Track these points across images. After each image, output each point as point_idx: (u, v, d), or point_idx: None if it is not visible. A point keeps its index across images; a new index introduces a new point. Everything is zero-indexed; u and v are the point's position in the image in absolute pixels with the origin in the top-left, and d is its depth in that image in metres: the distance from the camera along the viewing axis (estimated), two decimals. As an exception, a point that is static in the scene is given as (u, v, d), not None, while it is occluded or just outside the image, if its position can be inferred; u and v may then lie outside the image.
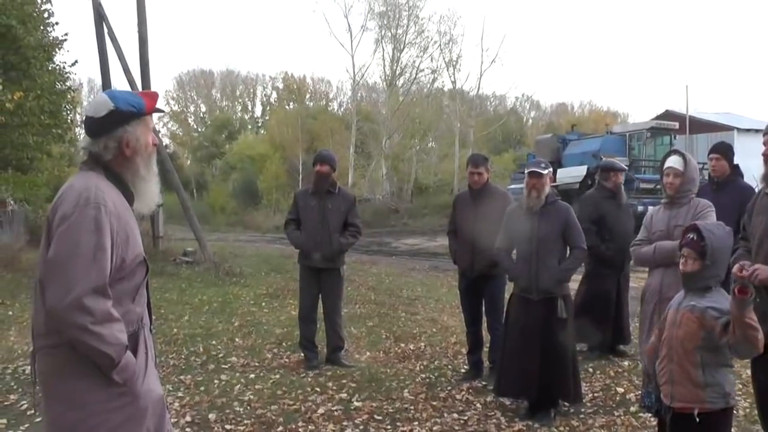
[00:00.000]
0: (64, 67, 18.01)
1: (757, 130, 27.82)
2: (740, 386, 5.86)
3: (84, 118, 2.68)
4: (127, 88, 14.68)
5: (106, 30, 14.72)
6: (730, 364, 3.47)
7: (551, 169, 5.76)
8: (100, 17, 14.68)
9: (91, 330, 2.34)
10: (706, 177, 6.29)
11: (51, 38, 17.44)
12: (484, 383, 6.35)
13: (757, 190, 5.83)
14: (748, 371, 4.52)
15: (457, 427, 5.24)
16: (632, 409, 5.52)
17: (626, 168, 7.93)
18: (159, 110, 2.79)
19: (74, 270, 2.34)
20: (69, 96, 18.26)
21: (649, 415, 5.05)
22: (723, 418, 3.48)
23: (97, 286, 2.36)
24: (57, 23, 17.68)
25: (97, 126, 2.60)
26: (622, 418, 5.36)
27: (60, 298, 2.33)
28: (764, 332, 3.62)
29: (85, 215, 2.40)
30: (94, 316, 2.34)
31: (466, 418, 5.46)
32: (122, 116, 2.59)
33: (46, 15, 17.43)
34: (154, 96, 2.73)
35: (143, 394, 2.54)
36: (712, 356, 3.38)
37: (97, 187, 2.49)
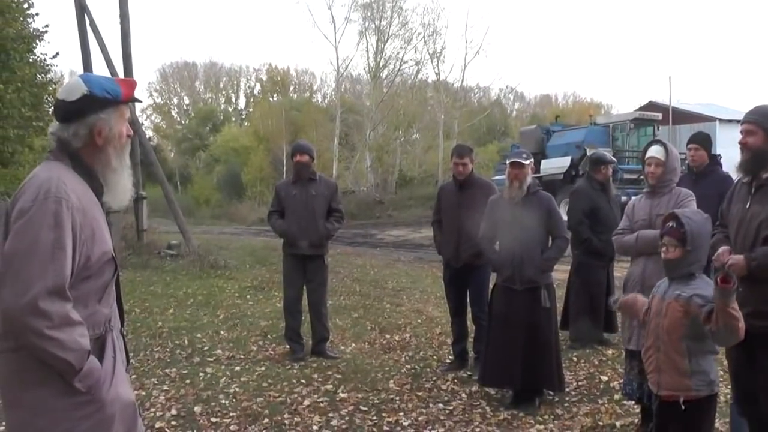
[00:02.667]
0: (45, 59, 17.82)
1: (738, 121, 27.92)
2: (722, 373, 5.92)
3: (55, 101, 2.48)
4: (140, 97, 14.53)
5: (87, 22, 14.62)
6: (715, 351, 3.52)
7: (532, 160, 5.80)
8: (81, 9, 14.58)
9: (48, 335, 2.15)
10: (685, 167, 6.32)
11: (31, 30, 17.24)
12: (469, 373, 6.38)
13: (735, 179, 5.89)
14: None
15: (442, 417, 5.27)
16: (616, 396, 5.56)
17: (615, 161, 7.97)
18: (136, 99, 2.61)
19: (30, 270, 2.16)
20: (50, 88, 18.07)
21: (632, 402, 5.12)
22: (708, 406, 3.52)
23: (54, 287, 2.17)
24: (37, 14, 17.51)
25: (68, 110, 2.41)
26: (606, 405, 5.40)
27: (14, 300, 2.15)
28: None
29: (45, 210, 2.21)
30: (51, 319, 2.15)
31: (451, 407, 5.49)
32: (96, 102, 2.40)
33: (25, 6, 17.23)
34: (132, 84, 2.55)
35: (110, 402, 2.35)
36: (697, 344, 3.42)
37: (59, 178, 2.29)
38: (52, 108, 2.54)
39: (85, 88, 2.40)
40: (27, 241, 2.19)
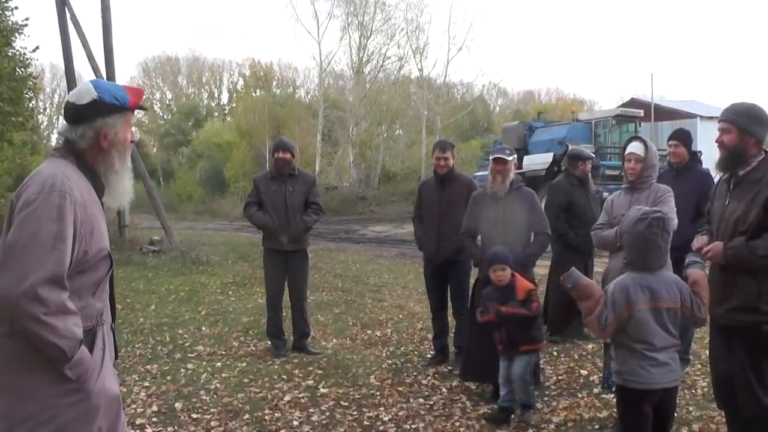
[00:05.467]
0: (24, 53, 17.60)
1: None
2: (699, 366, 6.02)
3: (65, 103, 2.61)
4: (90, 74, 14.51)
5: (68, 15, 14.52)
6: (629, 346, 3.58)
7: (516, 156, 5.81)
8: (62, 2, 14.47)
9: (43, 321, 2.24)
10: (666, 163, 6.39)
11: (10, 23, 17.02)
12: (449, 368, 6.41)
13: (714, 175, 5.95)
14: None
15: (422, 412, 5.29)
16: (595, 390, 5.62)
17: (593, 156, 8.01)
18: (142, 107, 2.73)
19: (30, 257, 2.25)
20: (30, 83, 17.87)
21: (611, 395, 5.17)
22: (619, 394, 3.78)
23: (53, 276, 2.26)
24: (16, 7, 17.20)
25: (77, 113, 2.54)
26: (586, 399, 5.44)
27: (13, 285, 2.22)
28: (719, 313, 3.72)
29: (49, 202, 2.32)
30: (48, 306, 2.24)
31: (431, 402, 5.51)
32: (104, 107, 2.54)
33: (4, -1, 17.04)
34: (140, 93, 2.68)
35: (96, 393, 2.45)
36: (616, 335, 3.65)
37: (64, 174, 2.41)
38: (63, 109, 2.68)
39: (95, 93, 2.54)
40: (30, 230, 2.29)
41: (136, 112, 2.71)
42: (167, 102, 65.02)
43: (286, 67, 61.75)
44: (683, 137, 6.15)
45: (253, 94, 57.61)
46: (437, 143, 6.80)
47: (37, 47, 17.60)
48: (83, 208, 2.41)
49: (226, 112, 63.53)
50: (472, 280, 6.13)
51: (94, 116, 2.53)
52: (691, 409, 5.10)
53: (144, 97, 2.75)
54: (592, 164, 7.55)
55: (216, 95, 66.18)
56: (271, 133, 43.31)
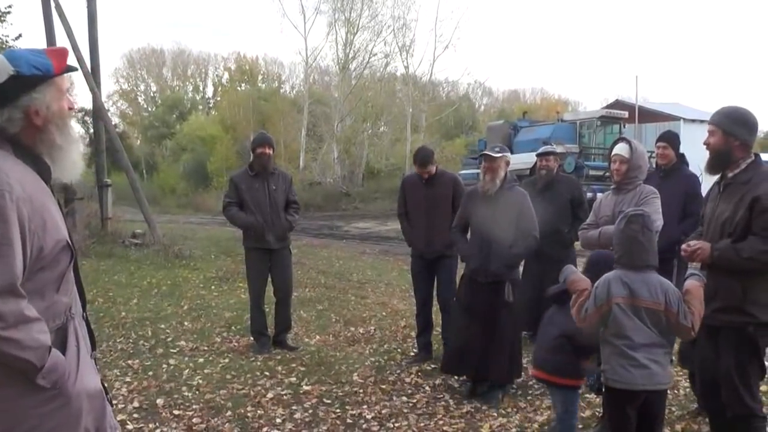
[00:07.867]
0: (6, 41, 17.39)
1: (702, 121, 28.60)
2: (680, 366, 6.03)
3: None
4: (74, 64, 14.34)
5: (53, 4, 14.34)
6: (610, 342, 3.64)
7: (508, 154, 5.71)
8: (46, -10, 14.29)
9: (3, 336, 2.03)
10: (653, 165, 6.39)
11: (-8, 10, 16.85)
12: (433, 366, 6.40)
13: (699, 177, 5.99)
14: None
15: (405, 410, 5.28)
16: (579, 390, 5.61)
17: (548, 152, 7.60)
18: (71, 68, 2.37)
19: None
20: (12, 72, 17.69)
21: (594, 395, 5.18)
22: (605, 393, 3.87)
23: (4, 286, 2.03)
24: (-2, -5, 17.02)
25: None
26: (568, 399, 5.44)
27: None
28: (705, 313, 3.74)
29: None
30: (6, 320, 2.03)
31: (414, 400, 5.50)
32: (26, 82, 2.21)
33: (-14, -14, 16.82)
34: (63, 53, 2.33)
35: (76, 395, 2.26)
36: (603, 331, 3.71)
37: (0, 169, 2.11)
38: None
39: (11, 69, 2.20)
40: None
41: (66, 75, 2.36)
42: (151, 94, 64.66)
43: (272, 62, 61.62)
44: (671, 139, 6.17)
45: (238, 88, 57.41)
46: (418, 157, 6.58)
47: (20, 35, 17.41)
48: (29, 202, 2.13)
49: (210, 105, 63.24)
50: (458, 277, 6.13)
51: (17, 94, 2.21)
52: (673, 409, 5.12)
53: (69, 56, 2.36)
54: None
55: (201, 88, 65.89)
56: (255, 127, 43.09)
